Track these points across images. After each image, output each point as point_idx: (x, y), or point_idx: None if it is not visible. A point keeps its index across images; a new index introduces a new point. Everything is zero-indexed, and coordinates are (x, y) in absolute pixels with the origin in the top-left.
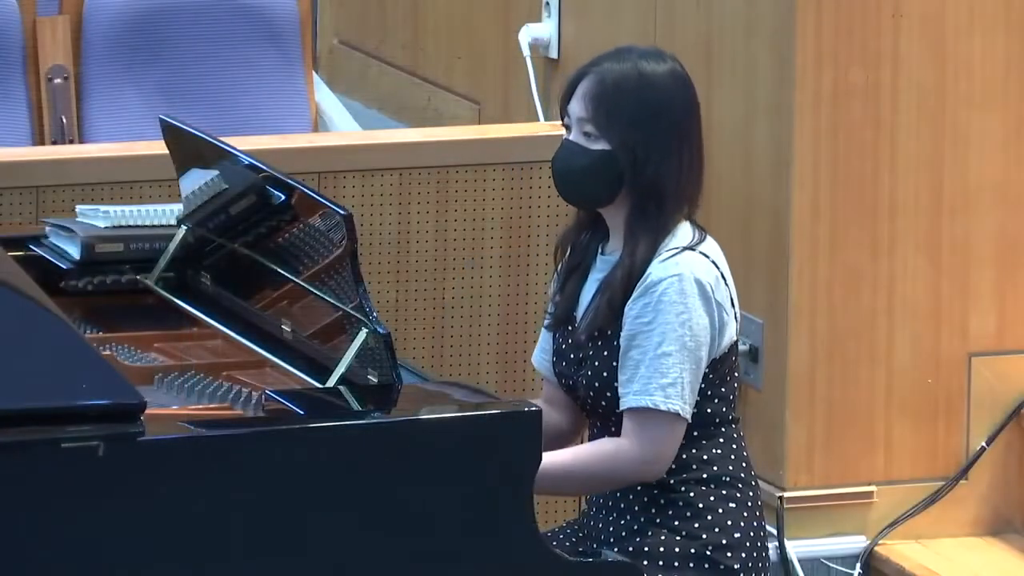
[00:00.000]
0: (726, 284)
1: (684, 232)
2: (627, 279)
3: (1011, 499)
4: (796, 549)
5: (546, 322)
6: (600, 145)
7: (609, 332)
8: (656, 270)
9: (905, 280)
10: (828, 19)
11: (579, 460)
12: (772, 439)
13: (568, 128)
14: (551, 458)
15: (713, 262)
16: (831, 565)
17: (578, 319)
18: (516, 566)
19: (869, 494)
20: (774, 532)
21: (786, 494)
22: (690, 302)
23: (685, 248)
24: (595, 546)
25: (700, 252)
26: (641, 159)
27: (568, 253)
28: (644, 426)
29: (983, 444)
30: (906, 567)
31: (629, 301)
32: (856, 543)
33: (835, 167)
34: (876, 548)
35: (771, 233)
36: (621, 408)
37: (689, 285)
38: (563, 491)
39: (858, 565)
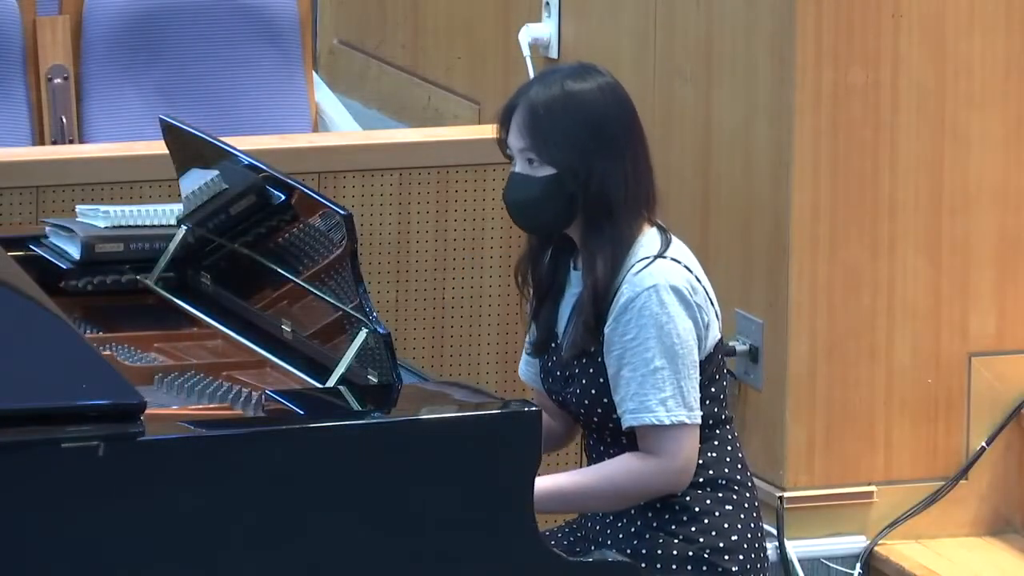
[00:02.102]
0: (702, 285)
1: (651, 239)
2: (593, 296)
3: (1011, 499)
4: (796, 549)
5: (527, 349)
6: (545, 171)
7: (592, 350)
8: (631, 284)
9: (905, 280)
10: (828, 19)
11: (605, 478)
12: (772, 439)
13: (512, 160)
14: (574, 478)
15: (685, 266)
16: (831, 565)
17: (559, 335)
18: (515, 566)
19: (869, 494)
20: (774, 532)
21: (786, 494)
22: (671, 310)
23: (656, 257)
24: (592, 548)
25: (671, 258)
26: (584, 176)
27: (536, 278)
28: (660, 441)
29: (983, 444)
30: (906, 567)
31: (610, 320)
32: (856, 543)
33: (835, 167)
34: (876, 548)
35: (771, 233)
36: (624, 427)
37: (667, 294)
38: (589, 508)
39: (858, 565)
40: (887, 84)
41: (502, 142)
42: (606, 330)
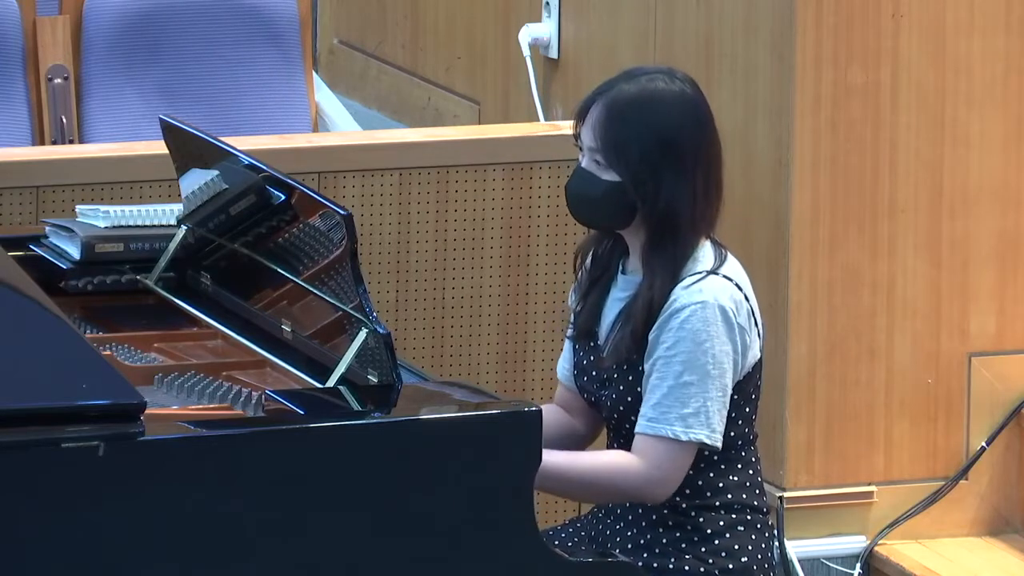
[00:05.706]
0: (749, 303)
1: (706, 253)
2: (647, 311)
3: (1011, 499)
4: (796, 549)
5: (569, 334)
6: (611, 175)
7: (635, 358)
8: (680, 296)
9: (905, 280)
10: (828, 19)
11: (590, 467)
12: (772, 439)
13: (581, 151)
14: (562, 458)
15: (736, 284)
16: (831, 565)
17: (600, 335)
18: (516, 565)
19: (869, 494)
20: (774, 532)
21: (786, 494)
22: (712, 330)
23: (709, 272)
24: (598, 549)
25: (723, 275)
26: (652, 191)
27: (589, 264)
28: (658, 451)
29: (983, 444)
30: (906, 567)
31: (655, 327)
32: (856, 543)
33: (835, 167)
34: (876, 548)
35: (771, 233)
36: (636, 431)
37: (712, 312)
38: (566, 494)
39: (858, 565)
40: (887, 84)
41: (575, 130)
42: (650, 336)
